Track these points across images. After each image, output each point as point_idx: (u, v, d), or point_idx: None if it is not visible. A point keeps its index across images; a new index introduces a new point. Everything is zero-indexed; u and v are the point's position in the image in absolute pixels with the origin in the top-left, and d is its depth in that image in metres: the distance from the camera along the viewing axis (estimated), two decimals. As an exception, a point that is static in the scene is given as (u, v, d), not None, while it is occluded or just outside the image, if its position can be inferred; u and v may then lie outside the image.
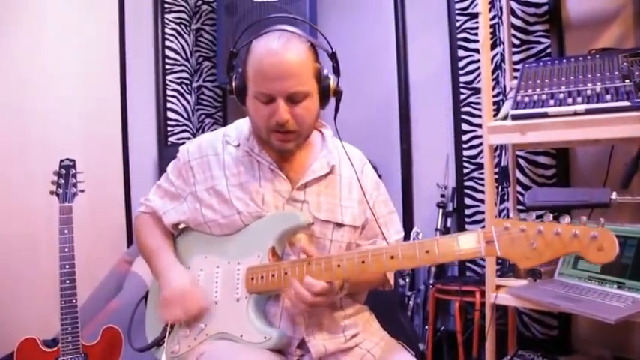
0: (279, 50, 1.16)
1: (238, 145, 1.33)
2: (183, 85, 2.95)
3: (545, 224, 0.98)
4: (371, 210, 1.33)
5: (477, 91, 2.58)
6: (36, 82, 2.29)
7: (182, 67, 2.95)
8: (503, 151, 2.33)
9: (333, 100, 1.29)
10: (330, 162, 1.32)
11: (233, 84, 1.25)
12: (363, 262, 1.11)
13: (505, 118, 1.86)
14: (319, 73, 1.23)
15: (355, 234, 1.33)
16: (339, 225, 1.29)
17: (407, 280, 2.62)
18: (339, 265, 1.13)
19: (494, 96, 2.37)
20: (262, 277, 1.20)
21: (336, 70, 1.27)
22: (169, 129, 2.89)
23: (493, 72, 2.39)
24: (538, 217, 1.00)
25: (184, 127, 2.94)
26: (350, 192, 1.33)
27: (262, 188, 1.27)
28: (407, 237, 2.67)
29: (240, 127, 1.37)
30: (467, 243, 1.03)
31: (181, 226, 1.41)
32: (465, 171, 2.67)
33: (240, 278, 1.23)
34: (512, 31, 2.30)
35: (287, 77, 1.16)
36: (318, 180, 1.31)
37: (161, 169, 2.55)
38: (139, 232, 1.43)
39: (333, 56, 1.26)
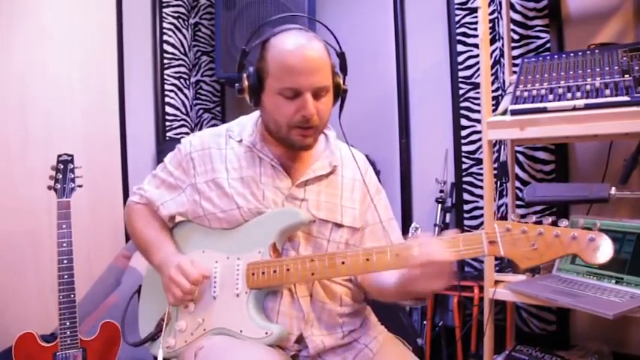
0: (305, 45, 1.18)
1: (241, 141, 1.33)
2: (182, 80, 2.94)
3: (545, 227, 1.02)
4: (375, 208, 1.33)
5: (476, 86, 2.58)
6: (34, 77, 2.28)
7: (180, 62, 2.94)
8: (502, 147, 2.33)
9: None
10: (332, 162, 1.32)
11: (246, 83, 1.24)
12: (367, 259, 1.12)
13: (504, 113, 1.85)
14: (334, 69, 1.25)
15: (355, 235, 1.32)
16: (338, 225, 1.29)
17: (405, 275, 2.62)
18: (343, 263, 1.13)
19: (493, 91, 2.37)
20: (264, 272, 1.19)
21: (344, 69, 1.28)
22: (167, 124, 2.88)
23: (492, 67, 2.38)
24: (537, 220, 1.03)
25: (182, 122, 2.93)
26: (352, 192, 1.33)
27: (263, 184, 1.27)
28: (405, 232, 2.67)
29: (244, 123, 1.37)
30: (470, 243, 1.05)
31: (177, 219, 1.40)
32: (464, 166, 2.66)
33: (240, 274, 1.23)
34: (512, 26, 2.30)
35: (314, 72, 1.17)
36: (319, 179, 1.31)
37: (159, 164, 2.55)
38: (133, 223, 1.41)
39: (341, 56, 1.27)
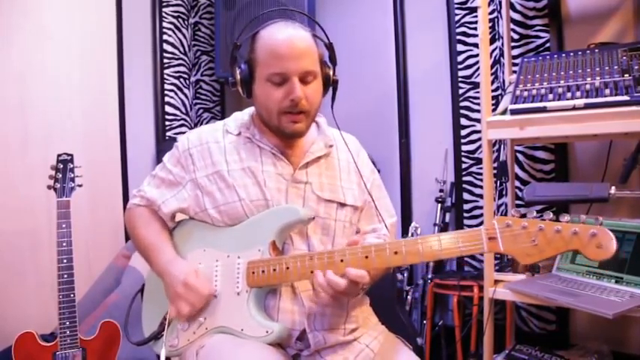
0: (291, 33, 1.23)
1: (239, 134, 1.35)
2: (182, 80, 2.94)
3: (546, 222, 1.00)
4: (368, 191, 1.36)
5: (476, 85, 2.58)
6: (34, 77, 2.28)
7: (180, 62, 2.94)
8: (502, 146, 2.33)
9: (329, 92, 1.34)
10: (327, 142, 1.36)
11: (238, 76, 1.28)
12: (366, 257, 1.12)
13: (504, 112, 1.85)
14: (322, 59, 1.29)
15: (356, 214, 1.36)
16: (342, 204, 1.32)
17: (405, 274, 2.62)
18: (342, 260, 1.13)
19: (493, 90, 2.37)
20: (263, 271, 1.20)
21: (333, 60, 1.32)
22: (167, 123, 2.89)
23: (492, 66, 2.38)
24: (538, 212, 1.02)
25: (182, 122, 2.93)
26: (348, 174, 1.37)
27: (265, 172, 1.28)
28: (405, 232, 2.67)
29: (240, 117, 1.39)
30: (469, 239, 1.05)
31: (177, 218, 1.40)
32: (464, 166, 2.67)
33: (241, 272, 1.23)
34: (512, 26, 2.30)
35: (300, 57, 1.22)
36: (318, 160, 1.34)
37: (159, 164, 2.55)
38: (133, 225, 1.41)
39: (330, 47, 1.31)
